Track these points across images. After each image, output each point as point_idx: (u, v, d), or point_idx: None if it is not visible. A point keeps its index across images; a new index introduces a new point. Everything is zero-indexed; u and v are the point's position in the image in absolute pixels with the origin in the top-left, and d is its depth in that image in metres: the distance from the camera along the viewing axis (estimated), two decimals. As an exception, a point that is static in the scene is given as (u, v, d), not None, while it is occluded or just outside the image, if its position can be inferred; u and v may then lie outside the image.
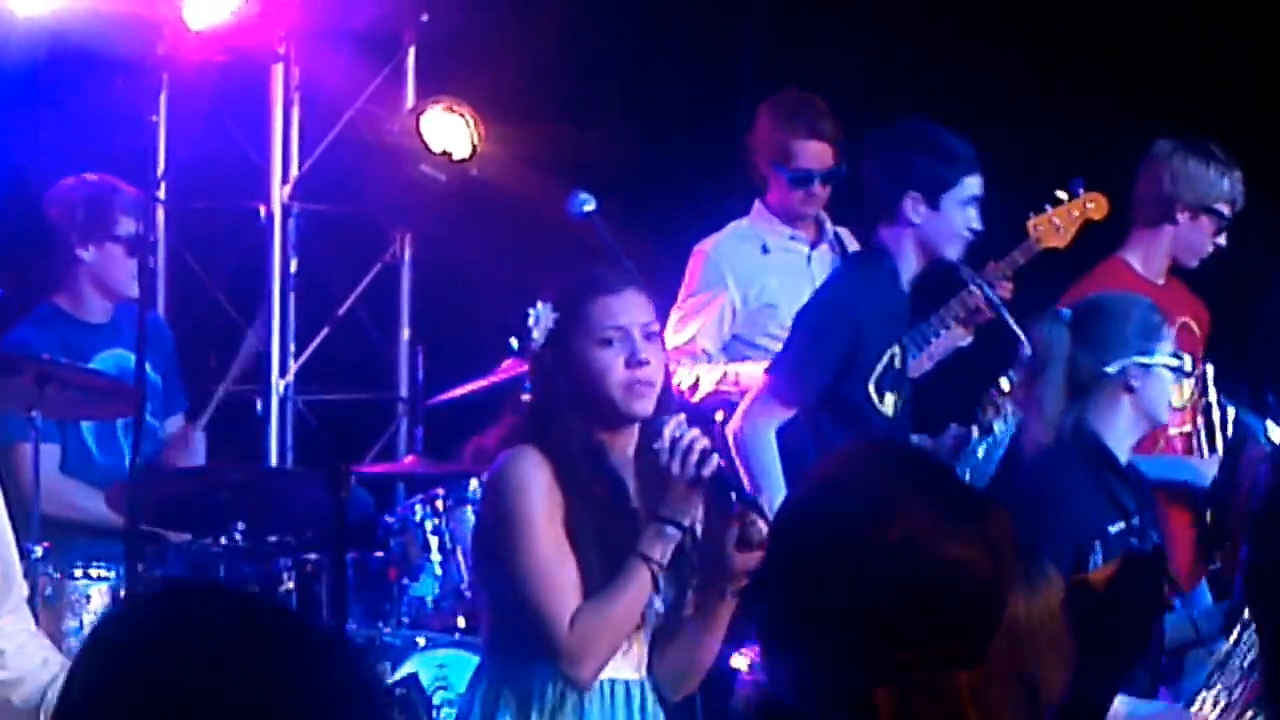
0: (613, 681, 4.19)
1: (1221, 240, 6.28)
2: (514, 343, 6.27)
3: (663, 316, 5.65)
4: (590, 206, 5.52)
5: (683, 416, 4.15)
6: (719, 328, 6.27)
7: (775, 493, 5.13)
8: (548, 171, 6.83)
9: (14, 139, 6.53)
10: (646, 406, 4.13)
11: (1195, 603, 5.56)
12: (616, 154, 7.11)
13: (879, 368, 5.59)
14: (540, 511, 4.07)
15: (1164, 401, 4.76)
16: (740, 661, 4.92)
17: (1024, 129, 7.19)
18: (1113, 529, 4.61)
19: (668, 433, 4.07)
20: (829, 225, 6.48)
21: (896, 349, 5.65)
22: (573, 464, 4.10)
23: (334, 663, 1.92)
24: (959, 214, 5.62)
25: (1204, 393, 5.90)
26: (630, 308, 4.16)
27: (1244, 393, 5.88)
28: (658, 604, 4.19)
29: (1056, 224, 6.32)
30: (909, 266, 5.66)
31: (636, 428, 4.19)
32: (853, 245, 6.39)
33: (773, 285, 6.29)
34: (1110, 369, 4.70)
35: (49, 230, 6.02)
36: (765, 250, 6.35)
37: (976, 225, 5.66)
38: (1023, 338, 5.52)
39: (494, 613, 4.24)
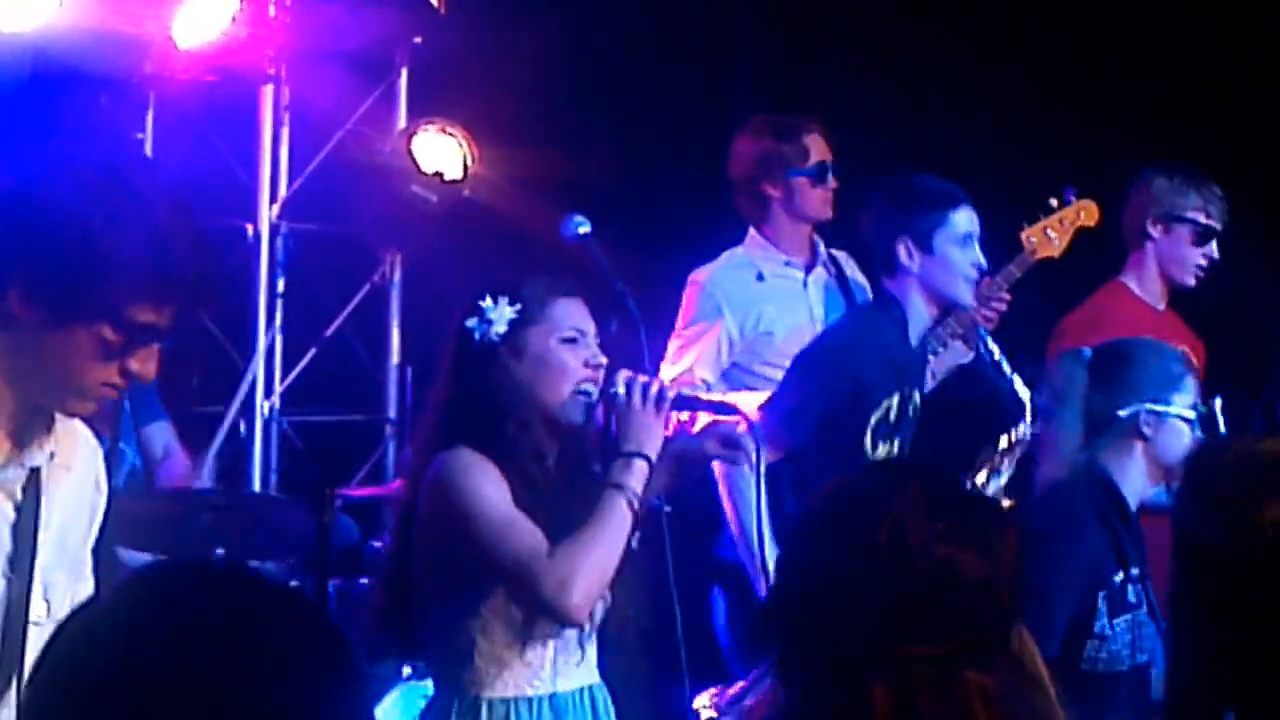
0: (582, 690, 4.18)
1: (1211, 251, 6.44)
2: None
3: (656, 341, 5.59)
4: (585, 229, 5.49)
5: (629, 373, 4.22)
6: (717, 357, 6.18)
7: (759, 530, 5.05)
8: (539, 193, 6.77)
9: (-2, 156, 6.44)
10: (581, 414, 4.16)
11: None
12: (609, 176, 7.07)
13: (874, 419, 5.54)
14: (493, 487, 4.03)
15: (1179, 451, 4.61)
16: (702, 702, 4.78)
17: (1016, 143, 7.18)
18: (1116, 578, 4.52)
19: (621, 378, 4.15)
20: (822, 248, 6.39)
21: (895, 399, 5.59)
22: (518, 460, 4.08)
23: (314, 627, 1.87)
24: (956, 253, 5.57)
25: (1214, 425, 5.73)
26: (586, 315, 4.23)
27: (1258, 420, 5.75)
28: (599, 607, 4.15)
29: (1050, 234, 6.27)
30: (918, 315, 5.64)
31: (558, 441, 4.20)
32: (850, 267, 6.35)
33: (769, 313, 6.21)
34: (1123, 413, 4.63)
35: None
36: (760, 278, 6.27)
37: (980, 262, 5.61)
38: (1009, 374, 5.50)
39: (444, 632, 4.13)
